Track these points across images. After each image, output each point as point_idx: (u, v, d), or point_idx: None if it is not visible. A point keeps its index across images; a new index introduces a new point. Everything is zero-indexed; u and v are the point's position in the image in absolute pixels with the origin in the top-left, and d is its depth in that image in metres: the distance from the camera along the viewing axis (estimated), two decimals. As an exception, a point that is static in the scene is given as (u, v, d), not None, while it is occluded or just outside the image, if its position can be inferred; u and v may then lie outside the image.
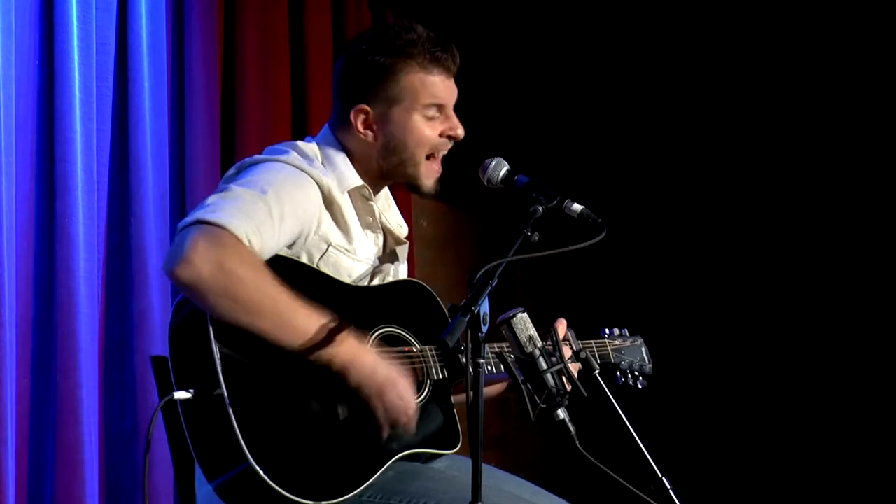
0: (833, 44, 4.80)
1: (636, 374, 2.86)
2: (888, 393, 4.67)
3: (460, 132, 2.50)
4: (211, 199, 2.24)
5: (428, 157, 2.49)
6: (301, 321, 2.20)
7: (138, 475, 3.38)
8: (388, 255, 2.55)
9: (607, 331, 2.88)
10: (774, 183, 4.99)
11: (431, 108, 2.47)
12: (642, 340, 2.93)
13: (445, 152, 2.53)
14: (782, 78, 4.95)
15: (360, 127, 2.47)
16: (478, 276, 2.05)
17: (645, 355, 2.92)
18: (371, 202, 2.49)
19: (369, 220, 2.50)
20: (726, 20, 5.03)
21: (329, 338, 2.20)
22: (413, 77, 2.46)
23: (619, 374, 2.84)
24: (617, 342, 2.86)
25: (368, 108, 2.46)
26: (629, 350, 2.88)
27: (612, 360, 2.82)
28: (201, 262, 2.13)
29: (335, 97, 2.54)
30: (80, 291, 3.30)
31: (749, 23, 4.99)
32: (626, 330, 2.92)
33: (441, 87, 2.48)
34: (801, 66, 4.89)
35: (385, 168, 2.49)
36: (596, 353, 2.76)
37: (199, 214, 2.19)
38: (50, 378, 3.27)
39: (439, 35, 2.51)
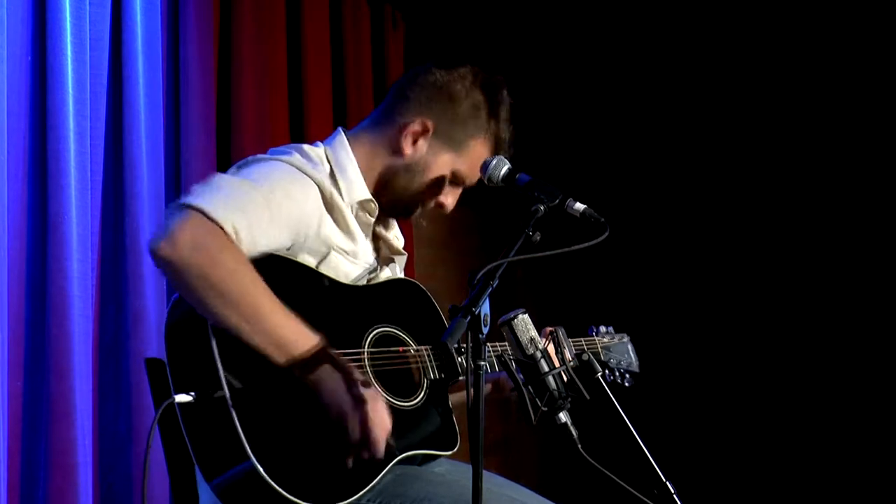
0: (833, 44, 4.79)
1: (623, 371, 2.89)
2: (886, 391, 4.67)
3: (448, 210, 2.54)
4: (199, 186, 2.20)
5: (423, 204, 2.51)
6: (273, 322, 2.11)
7: (132, 479, 3.35)
8: (383, 261, 2.53)
9: (594, 328, 2.88)
10: (773, 183, 5.01)
11: (458, 179, 2.50)
12: (629, 338, 2.96)
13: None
14: (782, 78, 4.96)
15: (408, 133, 2.44)
16: (478, 276, 2.02)
17: (631, 353, 2.95)
18: (371, 217, 2.47)
19: (367, 228, 2.47)
20: (726, 20, 5.03)
21: (299, 350, 2.11)
22: (478, 143, 2.49)
23: (606, 371, 2.83)
24: (605, 339, 2.89)
25: (434, 128, 2.45)
26: (616, 348, 2.91)
27: (602, 358, 2.84)
28: (182, 241, 2.09)
29: (395, 96, 2.51)
30: (73, 292, 3.27)
31: (749, 23, 5.00)
32: (611, 328, 2.93)
33: (477, 169, 2.44)
34: (802, 66, 4.90)
35: (393, 184, 2.47)
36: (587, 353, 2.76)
37: (187, 199, 2.15)
38: (43, 380, 3.23)
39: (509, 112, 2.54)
